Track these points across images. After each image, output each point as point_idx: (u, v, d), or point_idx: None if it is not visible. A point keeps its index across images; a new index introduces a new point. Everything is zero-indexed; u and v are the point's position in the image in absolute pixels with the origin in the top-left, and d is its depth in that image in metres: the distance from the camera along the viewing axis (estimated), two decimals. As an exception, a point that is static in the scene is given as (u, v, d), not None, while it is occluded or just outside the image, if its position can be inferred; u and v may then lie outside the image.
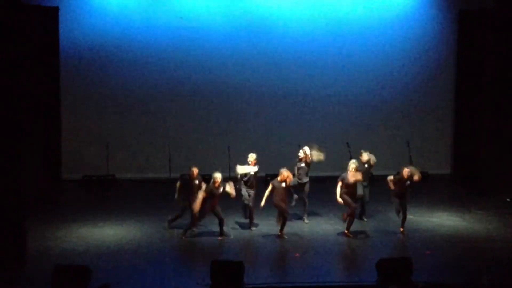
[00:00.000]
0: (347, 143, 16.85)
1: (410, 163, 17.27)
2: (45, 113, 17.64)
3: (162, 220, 14.80)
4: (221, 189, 13.78)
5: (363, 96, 19.88)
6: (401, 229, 14.33)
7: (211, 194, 13.74)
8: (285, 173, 13.76)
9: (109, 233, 14.52)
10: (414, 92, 20.03)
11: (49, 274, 11.02)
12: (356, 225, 14.84)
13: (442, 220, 15.53)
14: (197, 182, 14.28)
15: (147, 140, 19.42)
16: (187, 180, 14.40)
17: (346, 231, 14.10)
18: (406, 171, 14.13)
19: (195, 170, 14.39)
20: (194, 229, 14.21)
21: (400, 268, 11.45)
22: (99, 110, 19.38)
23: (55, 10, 18.10)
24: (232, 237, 14.28)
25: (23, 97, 12.62)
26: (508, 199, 16.97)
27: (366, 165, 14.97)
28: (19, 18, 12.29)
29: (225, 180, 13.98)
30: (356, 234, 14.28)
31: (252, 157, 14.68)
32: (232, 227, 14.87)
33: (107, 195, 18.06)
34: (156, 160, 18.68)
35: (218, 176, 13.80)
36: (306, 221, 15.08)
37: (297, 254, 13.17)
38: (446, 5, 19.75)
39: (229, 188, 13.81)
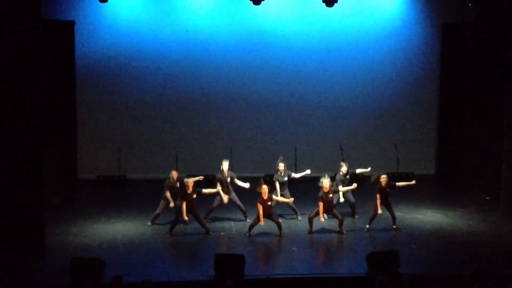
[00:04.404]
0: (340, 146, 16.87)
1: (397, 164, 17.37)
2: (62, 118, 17.64)
3: (169, 217, 14.80)
4: (194, 194, 13.78)
5: (354, 103, 19.87)
6: (394, 227, 14.35)
7: (186, 198, 13.77)
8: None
9: (121, 228, 14.54)
10: (401, 99, 20.03)
11: (66, 266, 11.09)
12: (348, 223, 14.91)
13: (427, 217, 15.54)
14: (178, 185, 14.35)
15: (156, 143, 19.42)
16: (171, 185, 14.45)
17: (339, 229, 14.15)
18: (383, 178, 14.14)
19: (175, 174, 14.48)
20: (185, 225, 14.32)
21: (388, 261, 11.49)
22: (112, 116, 19.38)
23: (71, 23, 18.10)
24: (234, 232, 14.31)
25: (42, 104, 12.67)
26: (487, 197, 16.99)
27: (347, 177, 14.98)
28: (38, 31, 12.35)
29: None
30: (348, 230, 14.33)
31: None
32: (233, 223, 14.92)
33: (119, 194, 18.08)
34: (165, 162, 18.67)
35: (189, 180, 13.82)
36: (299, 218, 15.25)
37: (294, 248, 13.19)
38: (430, 19, 19.72)
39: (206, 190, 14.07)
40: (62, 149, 17.43)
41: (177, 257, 13.04)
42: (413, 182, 14.64)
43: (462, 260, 12.21)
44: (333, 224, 14.46)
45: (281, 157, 15.19)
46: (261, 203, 13.60)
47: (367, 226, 14.32)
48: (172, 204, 14.34)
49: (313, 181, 14.51)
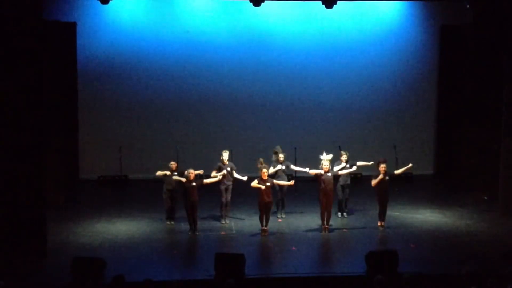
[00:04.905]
0: (339, 146, 16.83)
1: (396, 164, 17.34)
2: (64, 119, 17.64)
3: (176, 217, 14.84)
4: (194, 182, 13.84)
5: (353, 104, 19.87)
6: (382, 223, 14.34)
7: (187, 186, 13.83)
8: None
9: (122, 228, 14.54)
10: (400, 100, 20.03)
11: (68, 265, 11.10)
12: (347, 221, 14.90)
13: (425, 217, 15.54)
14: (175, 173, 14.54)
15: (157, 143, 19.40)
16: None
17: (326, 225, 14.15)
18: (382, 167, 14.19)
19: (174, 164, 14.63)
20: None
21: (387, 260, 11.50)
22: (113, 116, 19.38)
23: (73, 25, 18.11)
24: (234, 231, 14.30)
25: (44, 105, 12.66)
26: (485, 197, 16.98)
27: (347, 165, 15.00)
28: (40, 33, 12.35)
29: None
30: (347, 229, 14.32)
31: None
32: (233, 223, 14.92)
33: (120, 194, 18.06)
34: (165, 162, 18.60)
35: (190, 171, 13.91)
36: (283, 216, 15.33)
37: (293, 248, 13.19)
38: (429, 21, 19.72)
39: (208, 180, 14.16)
40: (63, 150, 17.42)
41: (177, 256, 13.03)
42: (410, 165, 14.63)
43: (460, 260, 12.20)
44: (332, 223, 14.44)
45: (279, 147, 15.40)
46: (260, 184, 13.66)
47: (379, 223, 14.31)
48: (159, 173, 14.56)
49: (313, 181, 14.50)
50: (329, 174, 13.94)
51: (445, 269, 11.68)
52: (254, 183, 13.72)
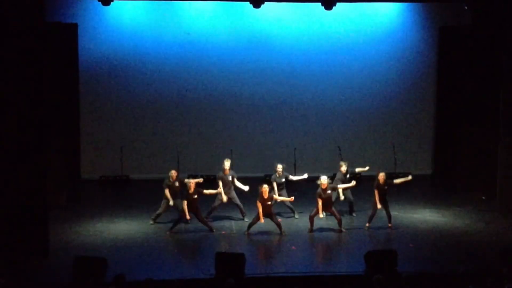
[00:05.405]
0: (338, 146, 16.86)
1: (395, 165, 17.36)
2: (65, 119, 17.63)
3: (171, 217, 14.82)
4: (196, 194, 13.84)
5: (352, 104, 19.83)
6: (389, 225, 14.37)
7: (187, 198, 13.82)
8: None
9: (123, 228, 14.53)
10: (398, 101, 19.99)
11: (69, 265, 11.10)
12: (347, 221, 14.89)
13: (424, 216, 15.53)
14: (177, 184, 14.44)
15: (158, 144, 19.40)
16: (170, 184, 14.52)
17: (339, 228, 14.15)
18: (381, 176, 14.17)
19: (174, 173, 14.56)
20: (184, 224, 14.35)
21: (386, 259, 11.51)
22: (114, 117, 19.36)
23: (74, 26, 18.09)
24: (234, 231, 14.30)
25: (46, 105, 12.66)
26: (483, 197, 16.96)
27: (347, 176, 15.04)
28: (41, 34, 12.35)
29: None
30: (347, 229, 14.32)
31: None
32: (234, 222, 14.91)
33: (121, 194, 18.06)
34: (166, 162, 18.60)
35: (190, 181, 13.93)
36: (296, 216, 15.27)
37: (293, 247, 13.18)
38: (427, 22, 19.70)
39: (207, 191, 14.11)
40: (65, 150, 17.40)
41: (178, 255, 13.03)
42: (410, 177, 14.69)
43: (458, 259, 12.21)
44: (332, 223, 14.44)
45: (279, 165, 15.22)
46: (261, 202, 13.60)
47: (367, 224, 14.34)
48: (171, 202, 14.38)
49: (312, 181, 14.50)
50: (328, 191, 13.93)
51: (444, 269, 11.66)
52: (259, 208, 13.65)
